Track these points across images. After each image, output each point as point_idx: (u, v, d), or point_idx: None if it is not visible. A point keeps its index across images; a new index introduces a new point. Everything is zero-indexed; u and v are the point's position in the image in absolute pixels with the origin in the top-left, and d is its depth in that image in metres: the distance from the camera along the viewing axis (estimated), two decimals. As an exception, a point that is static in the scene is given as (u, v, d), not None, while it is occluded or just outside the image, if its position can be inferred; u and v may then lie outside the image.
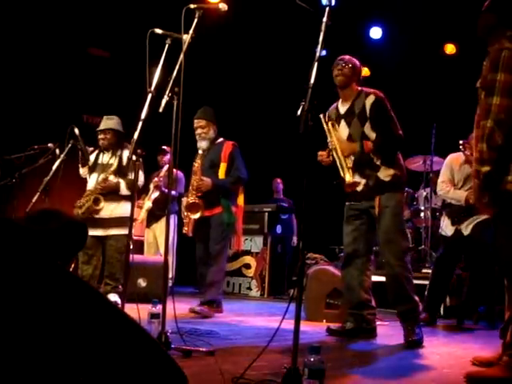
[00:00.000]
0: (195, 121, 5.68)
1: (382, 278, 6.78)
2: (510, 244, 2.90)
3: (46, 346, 1.27)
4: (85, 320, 1.32)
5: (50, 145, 5.75)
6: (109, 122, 5.86)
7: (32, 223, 1.38)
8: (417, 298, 4.31)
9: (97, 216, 5.74)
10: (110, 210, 5.79)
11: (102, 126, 5.87)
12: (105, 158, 5.89)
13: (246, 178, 5.70)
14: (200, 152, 5.69)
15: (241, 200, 5.81)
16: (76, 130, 5.37)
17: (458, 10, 7.77)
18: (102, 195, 5.70)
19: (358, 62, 4.50)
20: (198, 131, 5.66)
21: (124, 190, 5.78)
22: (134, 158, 3.39)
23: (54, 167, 5.40)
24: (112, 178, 5.75)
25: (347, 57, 4.48)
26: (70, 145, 5.47)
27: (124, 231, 5.71)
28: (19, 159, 5.89)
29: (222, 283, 5.70)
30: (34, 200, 5.26)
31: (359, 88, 4.45)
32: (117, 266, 5.70)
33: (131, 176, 5.67)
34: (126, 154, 5.81)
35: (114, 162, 5.81)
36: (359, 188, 4.36)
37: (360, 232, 4.45)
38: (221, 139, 5.79)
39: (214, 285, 5.50)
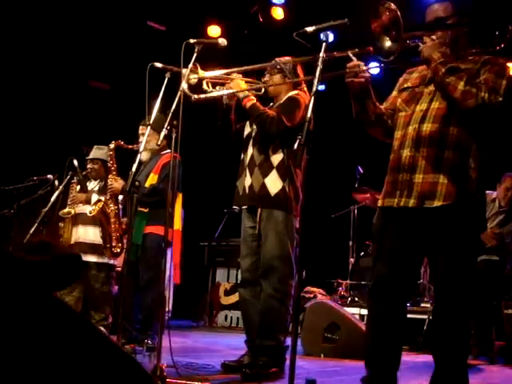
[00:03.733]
0: (140, 127, 5.18)
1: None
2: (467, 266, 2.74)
3: (37, 378, 1.26)
4: (79, 353, 1.31)
5: (49, 176, 5.74)
6: (98, 153, 5.70)
7: (28, 254, 1.38)
8: (282, 338, 3.82)
9: (76, 240, 5.47)
10: (90, 234, 5.46)
11: (92, 156, 5.71)
12: (91, 185, 5.72)
13: (162, 189, 4.78)
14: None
15: (177, 223, 5.05)
16: (75, 162, 5.36)
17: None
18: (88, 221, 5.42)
19: (290, 64, 4.06)
20: (140, 139, 4.99)
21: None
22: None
23: (53, 198, 5.39)
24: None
25: (276, 61, 4.06)
26: (68, 176, 5.46)
27: (107, 260, 5.41)
28: (18, 190, 5.90)
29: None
30: (31, 231, 5.23)
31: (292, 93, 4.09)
32: (100, 297, 5.39)
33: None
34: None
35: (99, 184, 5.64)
36: (240, 191, 4.04)
37: (257, 253, 4.00)
38: (166, 151, 5.10)
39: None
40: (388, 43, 2.54)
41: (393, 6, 2.48)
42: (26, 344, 1.26)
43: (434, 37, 2.74)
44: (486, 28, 2.83)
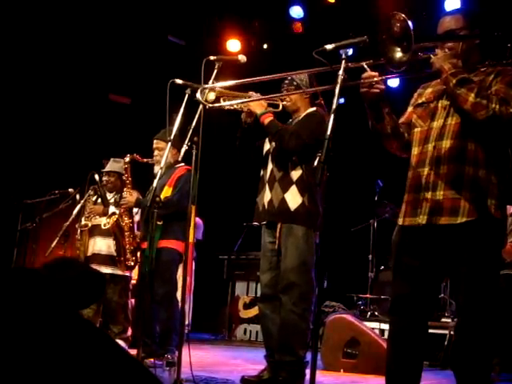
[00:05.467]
0: (154, 141, 5.18)
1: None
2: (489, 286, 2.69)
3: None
4: (101, 369, 1.33)
5: (70, 190, 5.80)
6: (115, 165, 5.70)
7: (49, 272, 1.40)
8: (302, 354, 3.82)
9: (93, 252, 5.45)
10: (108, 246, 5.42)
11: (109, 168, 5.72)
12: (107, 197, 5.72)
13: (177, 202, 4.85)
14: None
15: (190, 236, 5.09)
16: (96, 176, 5.39)
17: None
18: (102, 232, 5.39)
19: (306, 80, 4.07)
20: (155, 153, 5.10)
21: None
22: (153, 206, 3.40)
23: (74, 212, 5.44)
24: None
25: (293, 77, 4.07)
26: (90, 190, 5.50)
27: (122, 272, 5.37)
28: (40, 203, 5.97)
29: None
30: (53, 245, 5.29)
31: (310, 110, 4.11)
32: (118, 309, 5.39)
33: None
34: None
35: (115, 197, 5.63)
36: (260, 207, 4.06)
37: (276, 268, 3.99)
38: (180, 164, 5.09)
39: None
40: (399, 54, 2.54)
41: (404, 17, 2.48)
42: (50, 361, 1.28)
43: (446, 49, 2.73)
44: (498, 40, 2.81)
